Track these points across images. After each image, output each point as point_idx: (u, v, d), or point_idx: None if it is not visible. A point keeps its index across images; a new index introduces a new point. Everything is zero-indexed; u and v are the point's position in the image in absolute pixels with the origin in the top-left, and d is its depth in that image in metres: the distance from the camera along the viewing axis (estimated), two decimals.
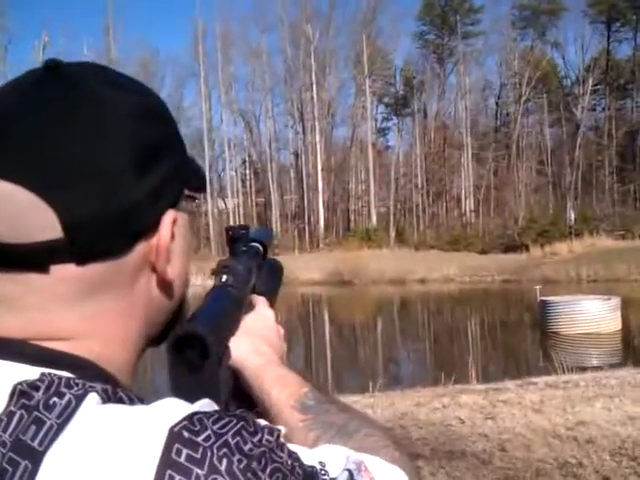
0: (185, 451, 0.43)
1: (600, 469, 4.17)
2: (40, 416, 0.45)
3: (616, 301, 14.36)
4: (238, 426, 0.46)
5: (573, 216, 41.93)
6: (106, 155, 0.51)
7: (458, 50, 54.14)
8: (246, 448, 0.45)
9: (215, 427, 0.45)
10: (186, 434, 0.44)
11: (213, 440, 0.44)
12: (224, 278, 0.77)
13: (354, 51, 53.91)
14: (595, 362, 11.30)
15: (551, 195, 49.69)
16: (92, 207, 0.50)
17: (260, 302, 0.83)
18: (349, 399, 6.85)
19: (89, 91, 0.52)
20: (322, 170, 51.41)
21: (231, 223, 52.85)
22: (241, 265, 0.81)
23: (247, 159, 58.90)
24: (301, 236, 52.39)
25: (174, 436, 0.43)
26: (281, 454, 0.47)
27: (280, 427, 0.50)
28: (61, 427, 0.44)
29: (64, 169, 0.49)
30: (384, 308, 24.48)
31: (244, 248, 0.87)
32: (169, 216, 0.55)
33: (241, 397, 0.73)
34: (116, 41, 52.58)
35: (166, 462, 0.42)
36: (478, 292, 27.97)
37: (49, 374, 0.48)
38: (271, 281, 0.91)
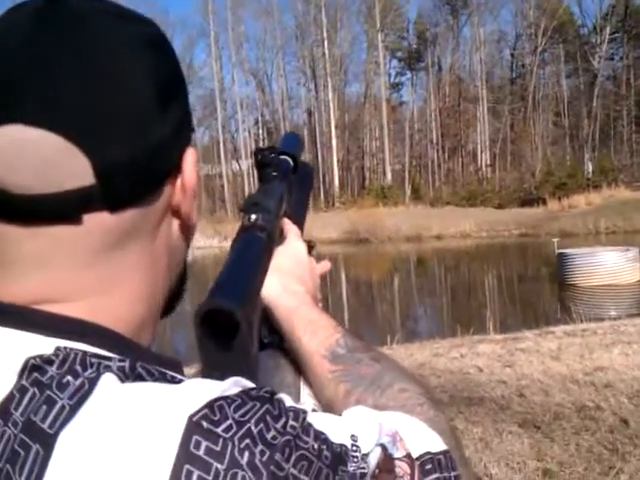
0: (204, 443, 0.40)
1: (618, 412, 4.21)
2: (52, 396, 0.42)
3: (634, 252, 14.26)
4: (261, 411, 0.43)
5: (591, 168, 41.42)
6: (130, 92, 0.48)
7: (472, 1, 52.92)
8: (269, 436, 0.42)
9: (237, 415, 0.42)
10: (205, 424, 0.41)
11: (234, 430, 0.42)
12: (253, 217, 0.71)
13: (365, 5, 53.04)
14: (613, 313, 11.27)
15: (568, 147, 49.03)
16: (123, 149, 0.47)
17: (292, 233, 0.78)
18: None
19: (100, 24, 0.49)
20: (336, 128, 51.02)
21: (245, 186, 52.90)
22: (272, 199, 0.76)
23: (260, 119, 58.55)
24: (316, 195, 52.30)
25: (193, 426, 0.41)
26: (307, 439, 0.44)
27: (306, 407, 0.48)
28: (74, 410, 0.42)
29: (90, 111, 0.46)
30: (401, 265, 24.53)
31: (274, 173, 0.81)
32: (191, 154, 0.53)
33: (272, 329, 0.70)
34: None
35: (184, 456, 0.40)
36: (495, 247, 27.89)
37: (64, 348, 0.45)
38: (301, 201, 0.88)
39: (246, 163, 53.99)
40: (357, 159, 55.13)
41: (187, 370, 0.56)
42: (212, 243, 35.35)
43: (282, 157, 0.84)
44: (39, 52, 0.46)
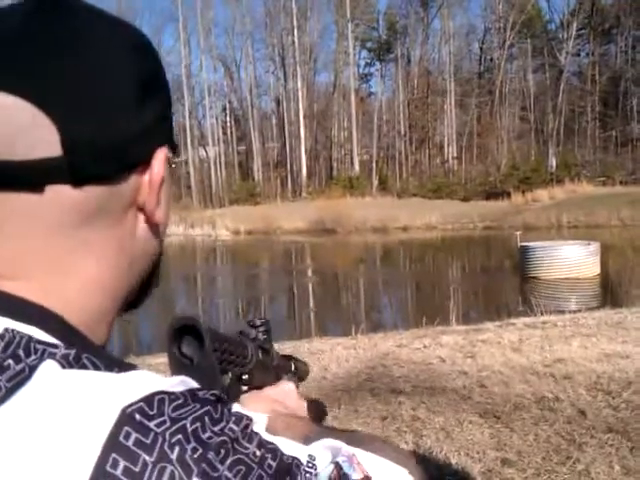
0: (134, 435, 0.40)
1: (576, 403, 4.28)
2: None
3: (595, 246, 14.50)
4: (201, 412, 0.43)
5: (555, 163, 42.06)
6: (109, 81, 0.50)
7: None
8: (204, 436, 0.42)
9: (174, 413, 0.42)
10: (138, 417, 0.41)
11: (167, 425, 0.41)
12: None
13: None
14: (574, 306, 11.44)
15: (533, 142, 49.72)
16: (93, 129, 0.48)
17: (285, 381, 0.89)
18: (332, 341, 6.94)
19: (93, 21, 0.52)
20: (304, 117, 50.89)
21: (212, 173, 52.49)
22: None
23: (227, 106, 58.09)
24: (283, 185, 52.19)
25: (125, 418, 0.41)
26: (247, 444, 0.44)
27: (255, 415, 0.47)
28: (9, 393, 0.42)
29: (68, 89, 0.47)
30: (367, 256, 24.62)
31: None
32: (162, 153, 0.54)
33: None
34: None
35: (112, 445, 0.40)
36: (460, 239, 28.19)
37: (12, 330, 0.45)
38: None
39: (213, 150, 53.56)
40: (325, 149, 55.09)
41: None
42: (177, 231, 35.07)
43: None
44: (32, 31, 0.48)
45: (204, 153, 55.41)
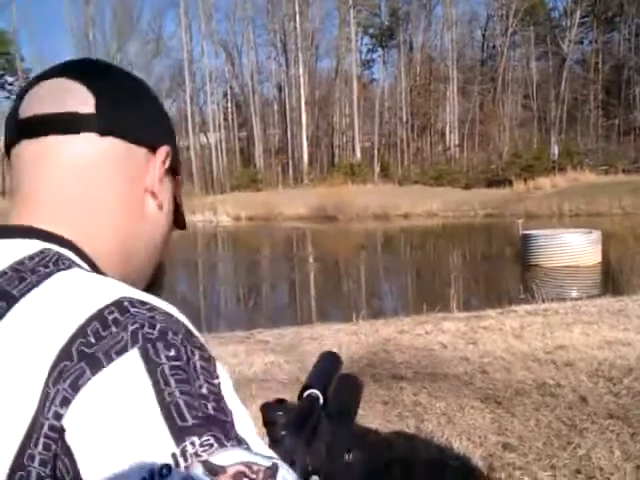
0: (115, 315, 0.53)
1: (577, 389, 4.29)
2: (25, 276, 0.58)
3: (597, 235, 14.48)
4: (163, 317, 0.55)
5: (557, 151, 41.91)
6: (145, 103, 0.74)
7: None
8: (169, 337, 0.53)
9: (150, 312, 0.54)
10: (126, 304, 0.55)
11: (141, 315, 0.54)
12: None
13: None
14: (575, 294, 11.47)
15: (536, 130, 49.50)
16: (122, 109, 0.70)
17: None
18: (334, 327, 6.96)
19: (128, 74, 0.76)
20: (306, 103, 50.70)
21: (213, 159, 52.42)
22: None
23: (229, 92, 57.84)
24: (285, 171, 52.07)
25: (117, 303, 0.54)
26: (198, 373, 0.52)
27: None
28: (36, 284, 0.57)
29: (110, 86, 0.71)
30: (368, 243, 24.62)
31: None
32: (164, 149, 0.73)
33: None
34: None
35: (96, 316, 0.53)
36: (461, 227, 28.16)
37: (48, 249, 0.61)
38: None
39: (214, 136, 53.40)
40: (326, 136, 54.89)
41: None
42: None
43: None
44: (103, 64, 0.75)
45: (205, 139, 55.25)
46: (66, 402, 0.49)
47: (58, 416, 0.49)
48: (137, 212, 0.71)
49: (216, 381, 0.52)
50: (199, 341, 0.55)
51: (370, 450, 3.43)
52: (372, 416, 3.98)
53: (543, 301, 8.13)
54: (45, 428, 0.49)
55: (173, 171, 0.75)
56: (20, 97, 0.70)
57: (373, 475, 3.18)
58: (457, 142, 50.84)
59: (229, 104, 57.54)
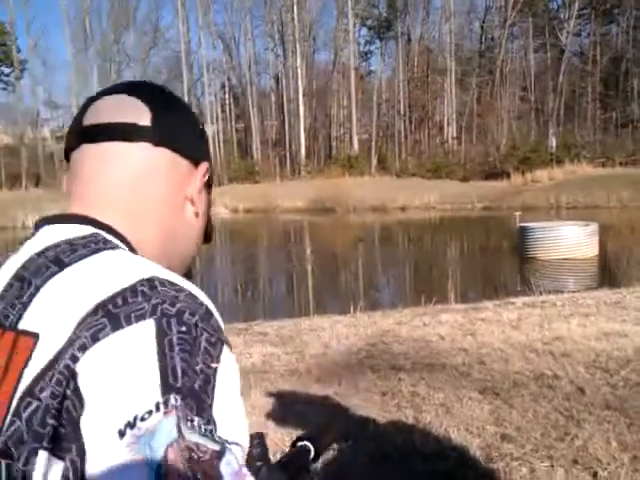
0: (145, 288, 0.63)
1: (575, 380, 4.31)
2: (77, 248, 0.69)
3: (594, 227, 14.50)
4: (186, 296, 0.64)
5: (555, 143, 41.89)
6: (191, 123, 0.85)
7: None
8: (184, 317, 0.61)
9: (172, 290, 0.64)
10: (156, 283, 0.64)
11: (166, 291, 0.63)
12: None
13: None
14: (572, 286, 11.50)
15: (533, 122, 49.46)
16: (173, 126, 0.81)
17: None
18: (332, 319, 6.97)
19: (183, 100, 0.88)
20: (303, 95, 50.57)
21: (211, 150, 51.99)
22: None
23: (226, 83, 57.66)
24: (282, 163, 51.95)
25: (148, 279, 0.64)
26: (210, 348, 0.61)
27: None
28: (86, 255, 0.68)
29: (164, 103, 0.82)
30: (365, 235, 24.62)
31: None
32: (204, 165, 0.83)
33: None
34: None
35: (129, 289, 0.63)
36: (459, 219, 28.17)
37: (97, 233, 0.72)
38: None
39: (211, 128, 53.25)
40: (324, 127, 54.78)
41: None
42: None
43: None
44: (159, 88, 0.86)
45: None
46: (83, 348, 0.58)
47: (74, 358, 0.58)
48: (177, 216, 0.81)
49: (214, 365, 0.60)
50: (216, 325, 0.64)
51: (368, 441, 3.45)
52: (370, 407, 3.99)
53: (541, 293, 8.16)
54: (61, 366, 0.58)
55: (208, 187, 0.85)
56: (84, 108, 0.80)
57: (371, 465, 3.20)
58: (455, 134, 50.75)
59: (226, 95, 57.39)
